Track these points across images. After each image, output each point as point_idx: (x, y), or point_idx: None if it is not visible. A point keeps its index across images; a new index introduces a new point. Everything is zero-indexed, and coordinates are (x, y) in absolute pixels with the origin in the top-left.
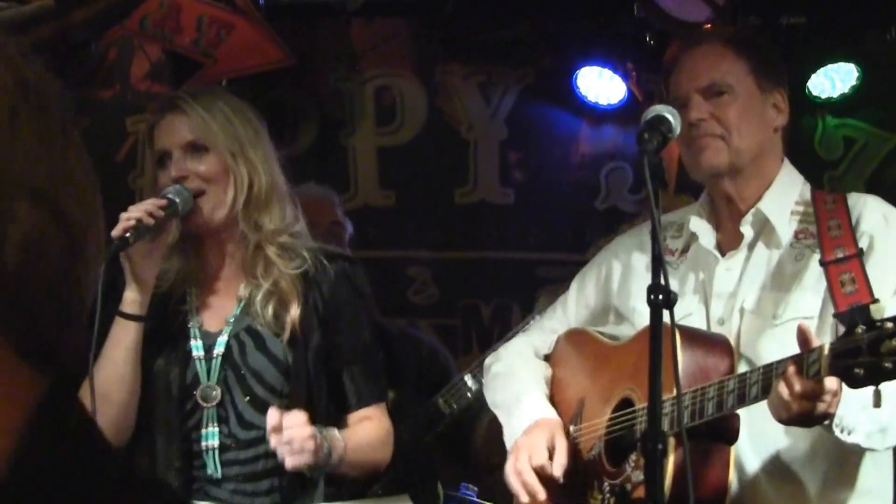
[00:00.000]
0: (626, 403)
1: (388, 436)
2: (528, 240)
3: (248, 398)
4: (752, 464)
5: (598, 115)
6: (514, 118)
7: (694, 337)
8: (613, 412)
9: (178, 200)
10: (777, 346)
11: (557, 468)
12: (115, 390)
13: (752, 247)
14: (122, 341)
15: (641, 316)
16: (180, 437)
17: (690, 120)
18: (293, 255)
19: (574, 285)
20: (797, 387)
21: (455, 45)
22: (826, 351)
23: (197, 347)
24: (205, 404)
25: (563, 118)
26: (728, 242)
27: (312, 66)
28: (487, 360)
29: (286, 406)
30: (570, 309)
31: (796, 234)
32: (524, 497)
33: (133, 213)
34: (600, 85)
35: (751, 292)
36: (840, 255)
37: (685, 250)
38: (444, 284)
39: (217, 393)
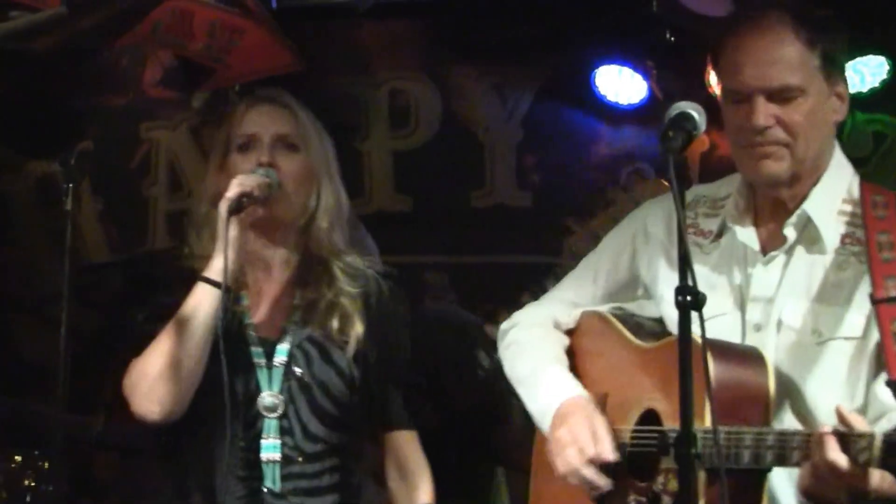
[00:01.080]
0: (651, 416)
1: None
2: (546, 243)
3: (313, 409)
4: (786, 492)
5: (617, 114)
6: (530, 119)
7: (727, 352)
8: (638, 422)
9: (272, 182)
10: (817, 370)
11: (610, 452)
12: (186, 358)
13: (792, 249)
14: (202, 307)
15: (669, 306)
16: (242, 445)
17: (755, 126)
18: (356, 274)
19: (603, 254)
20: (841, 467)
21: (469, 45)
22: (878, 442)
23: (257, 354)
24: (267, 414)
25: (581, 119)
26: (768, 241)
27: (323, 70)
28: (504, 326)
29: (347, 419)
30: (600, 279)
31: (843, 239)
32: (595, 494)
33: (247, 182)
34: (619, 84)
35: (790, 302)
36: (895, 292)
37: (720, 234)
38: (463, 290)
39: (280, 403)
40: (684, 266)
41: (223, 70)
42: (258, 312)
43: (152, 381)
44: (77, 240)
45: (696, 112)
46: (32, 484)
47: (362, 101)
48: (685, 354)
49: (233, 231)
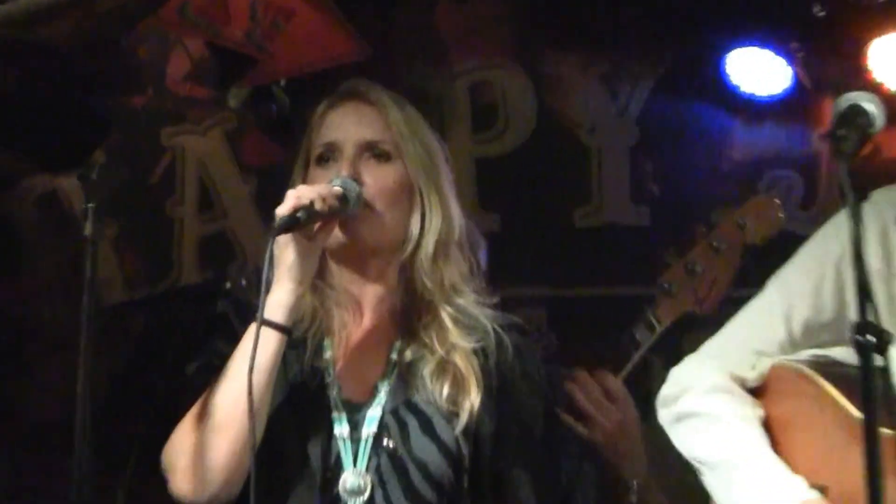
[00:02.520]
0: None
1: None
2: None
3: (408, 494)
4: None
5: (755, 109)
6: (647, 117)
7: None
8: None
9: (350, 195)
10: None
11: None
12: (238, 418)
13: None
14: (260, 356)
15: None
16: None
17: None
18: (472, 323)
19: (796, 283)
20: None
21: (569, 27)
22: None
23: (340, 421)
24: (350, 499)
25: (709, 115)
26: None
27: (390, 60)
28: (666, 392)
29: None
30: (795, 318)
31: None
32: None
33: (306, 193)
34: (757, 71)
35: None
36: None
37: None
38: (564, 330)
39: (367, 484)
40: (864, 298)
41: (267, 61)
42: (344, 367)
43: (195, 454)
44: (82, 275)
45: (871, 104)
46: None
47: (437, 97)
48: (870, 418)
49: (289, 255)
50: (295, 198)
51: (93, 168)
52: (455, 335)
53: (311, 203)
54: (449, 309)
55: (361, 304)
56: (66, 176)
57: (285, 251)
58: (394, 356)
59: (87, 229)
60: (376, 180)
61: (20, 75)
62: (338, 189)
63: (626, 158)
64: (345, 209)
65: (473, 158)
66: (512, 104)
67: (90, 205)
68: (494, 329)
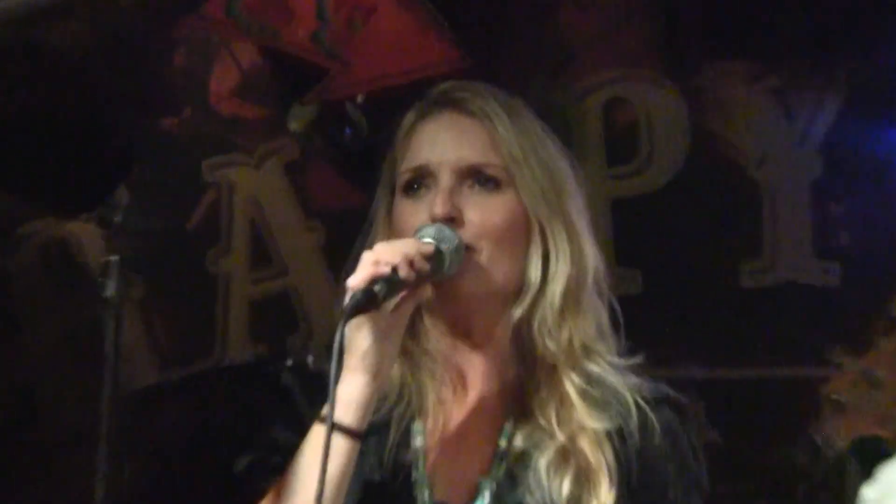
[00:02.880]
0: None
1: None
2: (869, 344)
3: None
4: None
5: None
6: (833, 145)
7: None
8: None
9: (445, 250)
10: None
11: None
12: None
13: None
14: (331, 466)
15: None
16: None
17: None
18: (606, 397)
19: None
20: None
21: (732, 30)
22: None
23: None
24: None
25: None
26: None
27: (499, 71)
28: (871, 496)
29: None
30: None
31: None
32: None
33: (386, 256)
34: None
35: None
36: None
37: None
38: (728, 424)
39: None
40: None
41: (340, 71)
42: (438, 459)
43: None
44: (99, 350)
45: None
46: None
47: (560, 117)
48: None
49: (363, 340)
50: (372, 264)
51: (114, 210)
52: (582, 413)
53: (394, 270)
54: (576, 378)
55: (465, 376)
56: (79, 220)
57: (358, 335)
58: (503, 444)
59: (108, 289)
60: (482, 216)
61: (20, 90)
62: (429, 247)
63: (806, 198)
64: (439, 271)
65: (609, 199)
66: (658, 128)
67: (112, 257)
68: (637, 403)
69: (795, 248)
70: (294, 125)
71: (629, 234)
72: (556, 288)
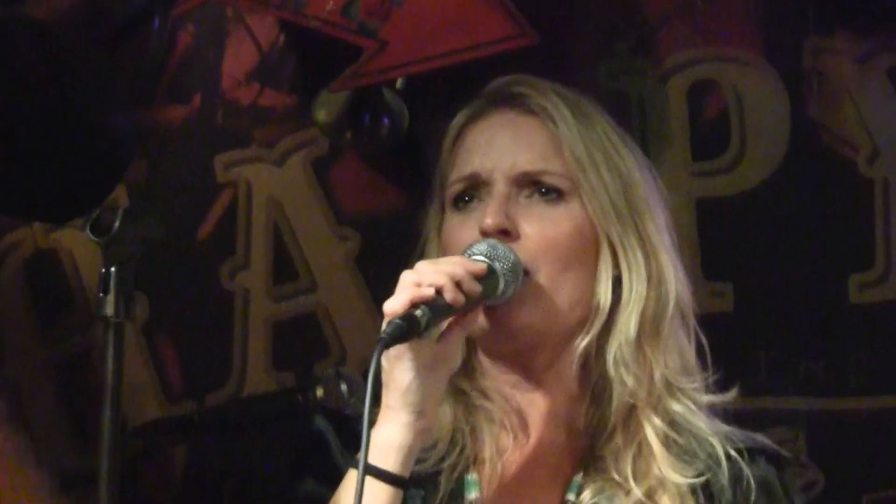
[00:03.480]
0: None
1: None
2: None
3: None
4: None
5: None
6: None
7: None
8: None
9: (499, 270)
10: None
11: None
12: None
13: None
14: None
15: None
16: None
17: None
18: (692, 446)
19: None
20: None
21: (836, 2)
22: None
23: None
24: None
25: None
26: None
27: (568, 49)
28: None
29: None
30: None
31: None
32: None
33: (429, 277)
34: None
35: None
36: None
37: None
38: (834, 462)
39: None
40: None
41: (375, 51)
42: None
43: None
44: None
45: None
46: None
47: (637, 101)
48: None
49: (404, 374)
50: (412, 285)
51: (111, 216)
52: (664, 464)
53: (438, 293)
54: (658, 422)
55: (526, 420)
56: (69, 228)
57: (398, 367)
58: (570, 498)
59: (107, 307)
60: (542, 230)
61: None
62: (480, 266)
63: None
64: (492, 294)
65: (693, 199)
66: (753, 116)
67: (110, 269)
68: (728, 454)
69: None
70: (321, 115)
71: (718, 241)
72: (632, 314)
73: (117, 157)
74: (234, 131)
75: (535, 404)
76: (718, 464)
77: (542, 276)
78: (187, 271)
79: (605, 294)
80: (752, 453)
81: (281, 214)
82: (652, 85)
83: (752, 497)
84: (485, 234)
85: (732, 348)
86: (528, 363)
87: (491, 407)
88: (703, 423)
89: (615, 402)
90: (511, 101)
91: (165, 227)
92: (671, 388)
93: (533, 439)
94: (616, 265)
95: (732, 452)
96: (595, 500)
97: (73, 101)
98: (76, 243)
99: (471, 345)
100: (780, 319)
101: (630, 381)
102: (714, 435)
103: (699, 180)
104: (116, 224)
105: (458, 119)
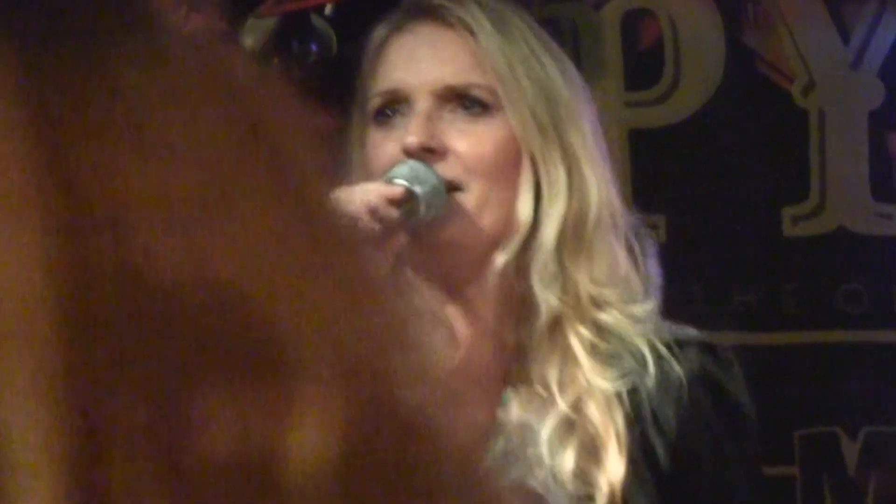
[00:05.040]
0: None
1: None
2: None
3: None
4: None
5: None
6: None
7: None
8: None
9: (420, 193)
10: None
11: None
12: None
13: None
14: None
15: None
16: None
17: None
18: (616, 350)
19: None
20: None
21: None
22: None
23: None
24: None
25: None
26: None
27: None
28: None
29: None
30: None
31: None
32: None
33: (354, 201)
34: None
35: None
36: None
37: None
38: (769, 399)
39: None
40: None
41: None
42: None
43: None
44: None
45: None
46: None
47: (571, 32)
48: None
49: None
50: None
51: None
52: (589, 371)
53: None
54: (583, 331)
55: (454, 335)
56: None
57: None
58: (500, 414)
59: None
60: (468, 146)
61: None
62: (397, 190)
63: (863, 131)
64: (412, 218)
65: (626, 130)
66: (687, 45)
67: None
68: (656, 349)
69: (849, 189)
70: (249, 41)
71: (650, 172)
72: (550, 228)
73: None
74: None
75: (461, 319)
76: (645, 366)
77: (470, 193)
78: None
79: (525, 208)
80: (681, 346)
81: None
82: (586, 12)
83: (684, 393)
84: (408, 152)
85: (665, 281)
86: (452, 282)
87: None
88: (630, 326)
89: (542, 319)
90: (432, 13)
91: None
92: (597, 301)
93: (463, 357)
94: (536, 178)
95: (661, 348)
96: (523, 414)
97: None
98: None
99: (399, 264)
100: (712, 251)
101: (553, 298)
102: (641, 336)
103: (632, 110)
104: None
105: (379, 31)
